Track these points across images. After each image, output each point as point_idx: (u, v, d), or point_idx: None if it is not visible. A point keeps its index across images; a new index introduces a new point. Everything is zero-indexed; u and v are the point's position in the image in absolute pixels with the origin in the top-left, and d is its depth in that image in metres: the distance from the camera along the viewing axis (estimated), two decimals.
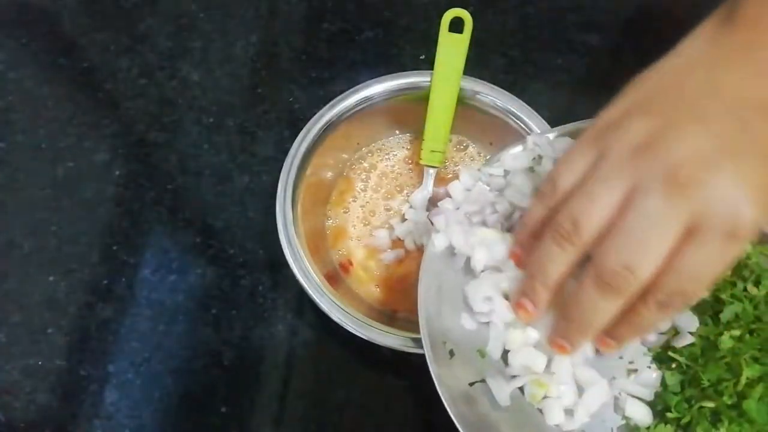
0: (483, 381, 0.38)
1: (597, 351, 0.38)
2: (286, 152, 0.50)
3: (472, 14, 0.50)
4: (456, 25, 0.51)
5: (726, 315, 0.38)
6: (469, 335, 0.39)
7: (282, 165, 0.49)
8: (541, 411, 0.38)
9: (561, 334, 0.35)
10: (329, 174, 0.55)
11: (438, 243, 0.41)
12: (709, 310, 0.39)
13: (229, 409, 0.49)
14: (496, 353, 0.38)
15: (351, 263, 0.52)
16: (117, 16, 0.65)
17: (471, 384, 0.38)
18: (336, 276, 0.51)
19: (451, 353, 0.39)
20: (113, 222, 0.56)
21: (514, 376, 0.38)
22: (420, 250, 0.52)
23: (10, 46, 0.64)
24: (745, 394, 0.36)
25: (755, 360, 0.36)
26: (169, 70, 0.63)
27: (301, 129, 0.51)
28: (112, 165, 0.58)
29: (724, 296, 0.39)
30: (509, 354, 0.38)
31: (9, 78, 0.62)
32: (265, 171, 0.58)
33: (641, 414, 0.37)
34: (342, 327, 0.44)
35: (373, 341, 0.44)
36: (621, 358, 0.39)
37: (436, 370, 0.38)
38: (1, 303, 0.53)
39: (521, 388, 0.38)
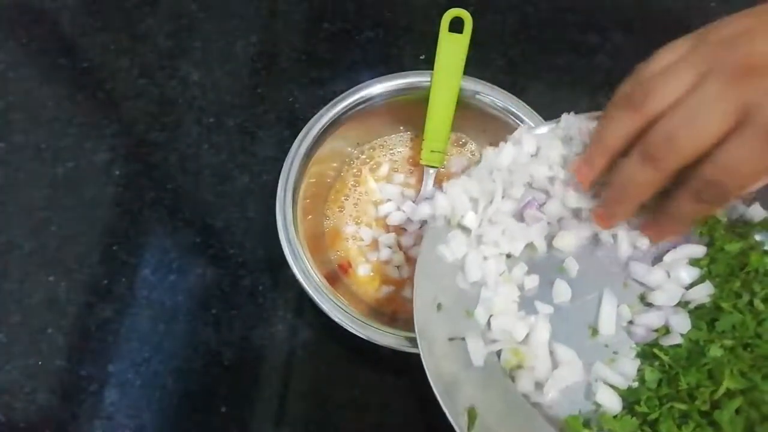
0: (462, 339, 0.39)
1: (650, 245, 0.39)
2: (286, 152, 0.50)
3: (472, 14, 0.50)
4: (456, 25, 0.51)
5: (722, 324, 0.38)
6: (460, 295, 0.41)
7: (282, 165, 0.49)
8: (512, 378, 0.39)
9: (604, 204, 0.37)
10: (329, 174, 0.55)
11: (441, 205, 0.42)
12: (707, 316, 0.39)
13: (229, 409, 0.49)
14: (482, 317, 0.40)
15: (349, 264, 0.52)
16: (117, 16, 0.65)
17: (450, 339, 0.39)
18: (336, 276, 0.51)
19: (439, 306, 0.40)
20: (113, 222, 0.56)
21: (493, 341, 0.39)
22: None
23: (10, 46, 0.64)
24: (719, 403, 0.36)
25: (742, 374, 0.36)
26: (169, 70, 0.63)
27: (301, 129, 0.51)
28: (112, 165, 0.58)
29: (725, 305, 0.39)
30: (491, 318, 0.40)
31: (9, 78, 0.62)
32: (265, 171, 0.58)
33: (611, 402, 0.38)
34: (342, 327, 0.44)
35: (373, 341, 0.44)
36: (606, 346, 0.39)
37: (420, 319, 0.39)
38: (1, 303, 0.53)
39: (498, 354, 0.39)
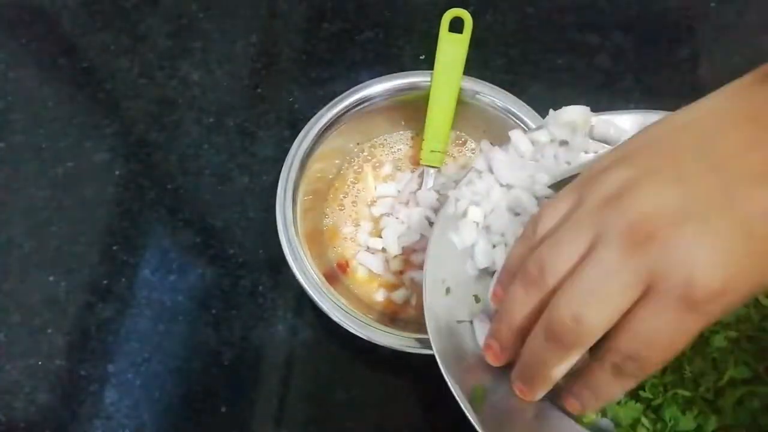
0: (470, 322, 0.39)
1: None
2: (286, 152, 0.50)
3: (472, 14, 0.50)
4: (456, 25, 0.51)
5: (727, 316, 0.38)
6: (468, 281, 0.41)
7: (282, 165, 0.49)
8: None
9: (517, 376, 0.34)
10: (329, 174, 0.55)
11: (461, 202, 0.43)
12: None
13: (229, 409, 0.49)
14: (492, 303, 0.39)
15: (347, 263, 0.52)
16: (117, 16, 0.65)
17: (458, 322, 0.39)
18: (335, 275, 0.51)
19: (448, 290, 0.40)
20: (113, 222, 0.56)
21: None
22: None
23: (10, 46, 0.64)
24: (723, 392, 0.36)
25: (746, 364, 0.36)
26: (169, 70, 0.63)
27: (301, 129, 0.51)
28: (112, 165, 0.58)
29: None
30: None
31: (9, 78, 0.62)
32: (265, 171, 0.58)
33: None
34: (342, 327, 0.44)
35: (373, 341, 0.44)
36: None
37: (429, 300, 0.39)
38: (1, 303, 0.53)
39: None
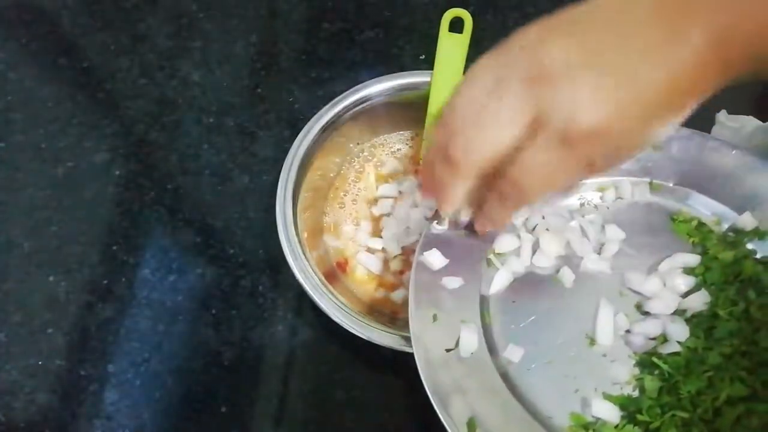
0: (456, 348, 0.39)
1: None
2: (286, 152, 0.50)
3: (472, 14, 0.50)
4: (456, 25, 0.51)
5: (720, 331, 0.38)
6: (454, 305, 0.41)
7: (282, 165, 0.49)
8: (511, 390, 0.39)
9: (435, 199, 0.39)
10: (329, 174, 0.55)
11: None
12: (704, 324, 0.39)
13: (229, 409, 0.49)
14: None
15: (347, 262, 0.52)
16: (117, 16, 0.65)
17: (448, 351, 0.39)
18: (334, 274, 0.51)
19: (434, 317, 0.40)
20: (113, 222, 0.56)
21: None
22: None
23: (10, 46, 0.64)
24: (721, 411, 0.36)
25: (742, 382, 0.36)
26: (169, 70, 0.63)
27: (301, 129, 0.51)
28: (112, 165, 0.58)
29: (722, 313, 0.39)
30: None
31: (9, 78, 0.62)
32: (265, 171, 0.58)
33: (608, 414, 0.37)
34: (342, 327, 0.44)
35: (373, 341, 0.44)
36: (604, 356, 0.39)
37: (416, 330, 0.39)
38: (1, 303, 0.53)
39: (495, 362, 0.39)
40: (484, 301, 0.42)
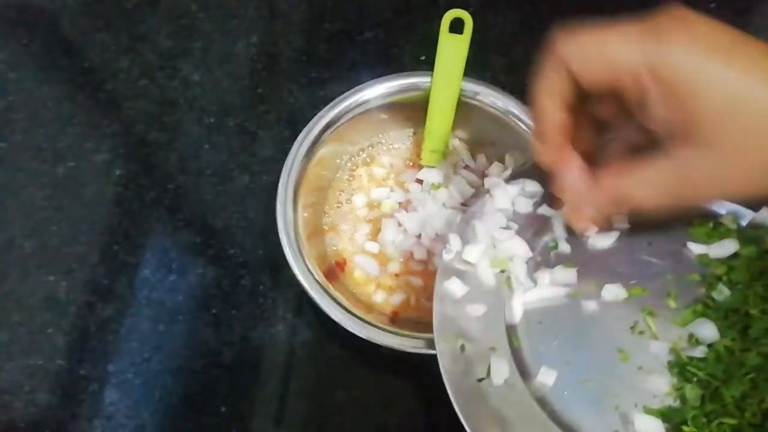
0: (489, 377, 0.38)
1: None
2: (286, 152, 0.50)
3: (472, 14, 0.50)
4: (456, 26, 0.51)
5: (755, 330, 0.37)
6: (481, 333, 0.40)
7: (282, 165, 0.49)
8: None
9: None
10: (329, 173, 0.55)
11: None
12: (738, 324, 0.38)
13: (229, 409, 0.49)
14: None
15: (345, 261, 0.52)
16: (117, 16, 0.65)
17: (479, 380, 0.38)
18: (334, 274, 0.51)
19: (463, 348, 0.39)
20: (113, 222, 0.56)
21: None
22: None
23: (10, 46, 0.64)
24: None
25: None
26: (169, 70, 0.63)
27: (301, 129, 0.51)
28: (112, 165, 0.58)
29: (754, 311, 0.37)
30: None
31: (9, 78, 0.62)
32: (265, 171, 0.58)
33: (652, 427, 0.36)
34: (342, 327, 0.44)
35: (373, 341, 0.44)
36: (640, 368, 0.38)
37: (445, 364, 0.38)
38: (1, 303, 0.53)
39: (535, 391, 0.38)
40: (510, 325, 0.41)
